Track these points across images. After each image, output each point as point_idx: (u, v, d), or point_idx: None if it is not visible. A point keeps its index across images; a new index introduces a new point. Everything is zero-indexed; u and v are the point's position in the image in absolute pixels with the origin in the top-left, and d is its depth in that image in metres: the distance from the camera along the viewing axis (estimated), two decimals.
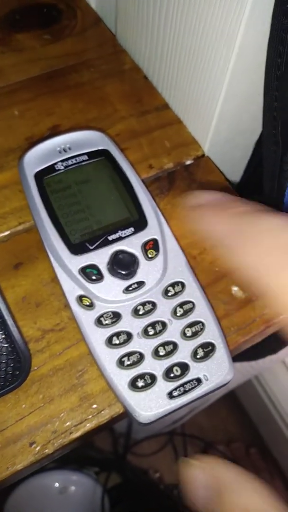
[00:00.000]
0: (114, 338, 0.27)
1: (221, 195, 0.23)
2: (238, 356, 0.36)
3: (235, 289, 0.32)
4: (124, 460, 0.88)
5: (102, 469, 0.83)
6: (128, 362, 0.26)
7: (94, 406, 0.28)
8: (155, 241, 0.29)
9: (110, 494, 0.80)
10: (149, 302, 0.28)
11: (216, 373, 0.27)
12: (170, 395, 0.26)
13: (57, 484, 0.74)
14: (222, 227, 0.21)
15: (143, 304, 0.28)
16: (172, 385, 0.26)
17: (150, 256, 0.29)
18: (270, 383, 0.86)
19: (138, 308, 0.28)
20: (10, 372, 0.26)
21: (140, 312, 0.28)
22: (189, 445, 0.97)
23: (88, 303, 0.28)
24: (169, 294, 0.28)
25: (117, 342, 0.27)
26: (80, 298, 0.28)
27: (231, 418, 1.04)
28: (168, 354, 0.27)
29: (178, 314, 0.28)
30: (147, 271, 0.28)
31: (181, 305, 0.28)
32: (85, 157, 0.32)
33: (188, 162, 0.38)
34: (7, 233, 0.33)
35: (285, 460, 0.91)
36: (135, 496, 0.84)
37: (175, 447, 0.96)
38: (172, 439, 0.96)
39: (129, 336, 0.27)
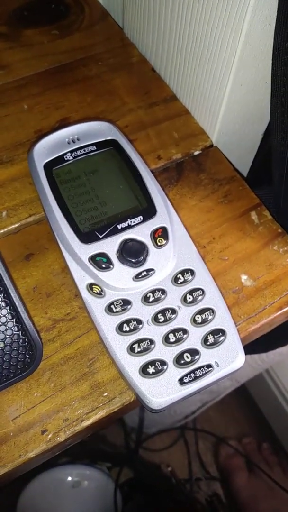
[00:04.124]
0: (125, 325, 0.27)
1: None
2: (248, 348, 0.36)
3: (244, 277, 0.32)
4: (136, 455, 0.89)
5: (114, 464, 0.84)
6: (139, 349, 0.27)
7: (105, 394, 0.28)
8: (164, 229, 0.29)
9: (122, 489, 0.80)
10: (159, 289, 0.28)
11: (227, 359, 0.27)
12: (181, 382, 0.26)
13: (70, 478, 0.75)
14: None
15: (153, 291, 0.28)
16: (183, 371, 0.26)
17: (159, 244, 0.29)
18: (282, 377, 0.86)
19: (148, 295, 0.28)
20: (22, 360, 0.26)
21: (150, 300, 0.28)
22: (201, 440, 0.97)
23: (98, 291, 0.28)
24: (179, 281, 0.29)
25: (128, 329, 0.27)
26: (91, 286, 0.28)
27: (242, 413, 1.04)
28: (179, 340, 0.27)
29: (188, 301, 0.28)
30: (156, 258, 0.29)
31: (190, 292, 0.28)
32: (94, 148, 0.32)
33: (196, 153, 0.38)
34: (17, 224, 0.33)
35: None
36: (147, 490, 0.84)
37: (186, 441, 0.96)
38: (183, 434, 0.96)
39: (139, 323, 0.27)
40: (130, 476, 0.85)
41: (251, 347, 0.36)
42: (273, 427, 0.98)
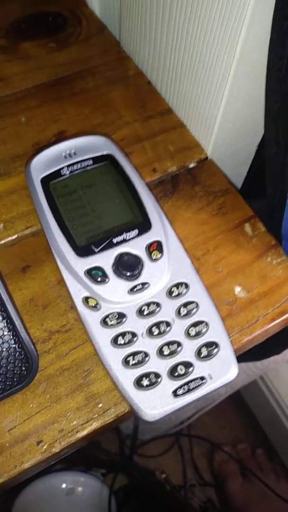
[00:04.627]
0: (120, 338, 0.28)
1: None
2: (242, 356, 0.36)
3: (238, 289, 0.33)
4: (131, 461, 0.89)
5: (109, 471, 0.84)
6: (133, 362, 0.27)
7: (100, 405, 0.28)
8: (159, 243, 0.30)
9: (117, 495, 0.80)
10: (153, 302, 0.29)
11: (220, 371, 0.27)
12: (175, 394, 0.27)
13: (64, 485, 0.75)
14: None
15: (148, 304, 0.29)
16: (176, 383, 0.27)
17: (154, 257, 0.29)
18: (276, 383, 0.86)
19: (142, 308, 0.28)
20: (18, 372, 0.26)
21: (145, 313, 0.28)
22: (196, 446, 0.97)
23: (93, 304, 0.28)
24: (173, 294, 0.29)
25: (122, 342, 0.28)
26: (86, 299, 0.28)
27: (237, 419, 1.04)
28: (173, 353, 0.28)
29: (182, 314, 0.29)
30: (151, 272, 0.29)
31: (185, 305, 0.29)
32: (90, 162, 0.32)
33: (191, 166, 0.38)
34: (14, 237, 0.34)
35: None
36: (142, 497, 0.84)
37: (181, 448, 0.96)
38: (178, 440, 0.96)
39: (134, 336, 0.28)
40: (125, 482, 0.85)
41: (245, 356, 0.36)
42: (267, 433, 0.98)
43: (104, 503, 0.76)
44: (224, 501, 0.90)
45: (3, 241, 0.33)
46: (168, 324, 0.28)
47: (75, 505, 0.74)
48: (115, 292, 0.28)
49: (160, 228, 0.31)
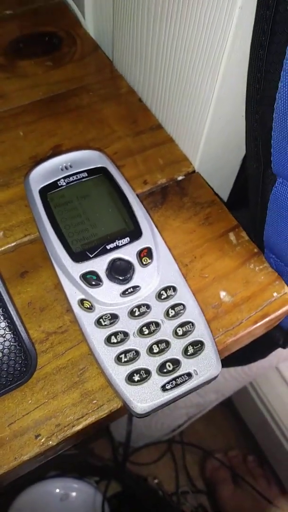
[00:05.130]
0: (112, 337, 0.30)
1: None
2: (229, 360, 0.38)
3: (223, 293, 0.35)
4: (124, 468, 0.90)
5: (102, 478, 0.85)
6: (125, 359, 0.29)
7: (94, 401, 0.30)
8: (149, 249, 0.32)
9: (110, 502, 0.81)
10: (144, 304, 0.31)
11: (205, 368, 0.29)
12: (164, 388, 0.29)
13: (58, 491, 0.76)
14: None
15: (139, 306, 0.31)
16: (165, 379, 0.29)
17: (144, 263, 0.32)
18: (265, 390, 0.88)
19: (134, 310, 0.31)
20: (18, 369, 0.28)
21: (136, 314, 0.30)
22: (188, 453, 0.98)
23: (88, 306, 0.30)
24: (162, 297, 0.31)
25: (115, 340, 0.30)
26: (82, 302, 0.30)
27: (228, 426, 1.05)
28: (161, 351, 0.30)
29: (170, 315, 0.31)
30: (142, 276, 0.31)
31: (173, 307, 0.31)
32: (85, 174, 0.35)
33: (179, 178, 0.41)
34: (13, 244, 0.36)
35: (281, 466, 0.93)
36: (135, 503, 0.85)
37: (173, 455, 0.97)
38: (170, 447, 0.97)
39: (126, 335, 0.30)
40: (118, 489, 0.86)
41: (232, 361, 0.38)
42: (258, 440, 1.00)
43: (97, 509, 0.77)
44: (216, 508, 0.91)
45: (2, 248, 0.35)
46: (157, 324, 0.30)
47: (69, 511, 0.75)
48: (109, 295, 0.30)
49: (150, 235, 0.33)
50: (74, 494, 0.77)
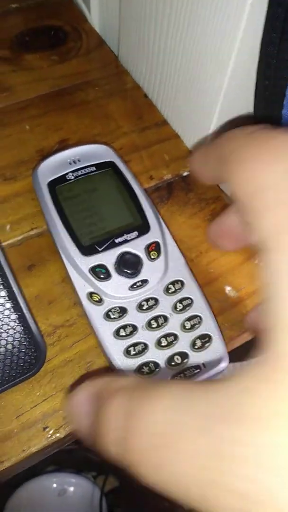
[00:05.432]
0: (121, 330, 0.30)
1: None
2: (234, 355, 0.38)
3: (228, 289, 0.35)
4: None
5: (100, 473, 0.85)
6: (134, 352, 0.29)
7: None
8: (157, 244, 0.32)
9: (108, 497, 0.82)
10: (152, 298, 0.31)
11: (213, 361, 0.30)
12: None
13: (55, 486, 0.76)
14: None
15: (147, 300, 0.31)
16: (173, 372, 0.29)
17: (152, 257, 0.32)
18: None
19: (142, 303, 0.31)
20: (28, 361, 0.28)
21: (144, 307, 0.31)
22: None
23: (97, 299, 0.31)
24: (170, 291, 0.31)
25: (124, 334, 0.30)
26: (90, 295, 0.31)
27: None
28: (170, 344, 0.30)
29: (178, 309, 0.31)
30: (150, 270, 0.31)
31: (180, 301, 0.31)
32: (93, 168, 0.35)
33: (185, 174, 0.41)
34: (20, 237, 0.36)
35: None
36: (132, 498, 0.85)
37: None
38: None
39: (134, 328, 0.30)
40: (116, 484, 0.86)
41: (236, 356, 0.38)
42: None
43: (95, 504, 0.77)
44: None
45: (10, 241, 0.35)
46: (165, 318, 0.31)
47: (66, 506, 0.75)
48: (117, 288, 0.31)
49: (158, 230, 0.33)
50: (71, 489, 0.77)
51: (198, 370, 0.29)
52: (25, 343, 0.28)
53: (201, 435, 0.14)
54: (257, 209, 0.17)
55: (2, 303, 0.29)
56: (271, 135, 0.19)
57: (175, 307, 0.31)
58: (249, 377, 0.14)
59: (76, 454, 0.86)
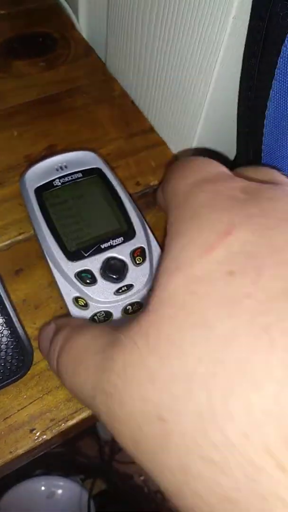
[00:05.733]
0: None
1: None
2: None
3: None
4: (110, 467, 0.91)
5: (88, 476, 0.85)
6: None
7: None
8: (142, 249, 0.33)
9: (96, 500, 0.82)
10: (137, 302, 0.32)
11: None
12: None
13: (43, 489, 0.76)
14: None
15: (132, 304, 0.32)
16: None
17: (137, 262, 0.33)
18: None
19: (127, 307, 0.31)
20: (15, 365, 0.29)
21: (129, 311, 0.31)
22: None
23: (83, 304, 0.31)
24: None
25: None
26: (76, 299, 0.31)
27: None
28: None
29: None
30: (135, 275, 0.32)
31: None
32: (80, 175, 0.35)
33: None
34: (8, 242, 0.36)
35: None
36: (120, 501, 0.86)
37: None
38: None
39: None
40: (104, 487, 0.87)
41: None
42: None
43: (83, 507, 0.78)
44: None
45: None
46: None
47: (55, 508, 0.75)
48: (103, 293, 0.31)
49: (143, 236, 0.34)
50: (60, 491, 0.77)
51: None
52: (12, 346, 0.28)
53: (97, 354, 0.21)
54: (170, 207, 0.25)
55: None
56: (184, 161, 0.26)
57: None
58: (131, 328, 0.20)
59: (64, 458, 0.87)
